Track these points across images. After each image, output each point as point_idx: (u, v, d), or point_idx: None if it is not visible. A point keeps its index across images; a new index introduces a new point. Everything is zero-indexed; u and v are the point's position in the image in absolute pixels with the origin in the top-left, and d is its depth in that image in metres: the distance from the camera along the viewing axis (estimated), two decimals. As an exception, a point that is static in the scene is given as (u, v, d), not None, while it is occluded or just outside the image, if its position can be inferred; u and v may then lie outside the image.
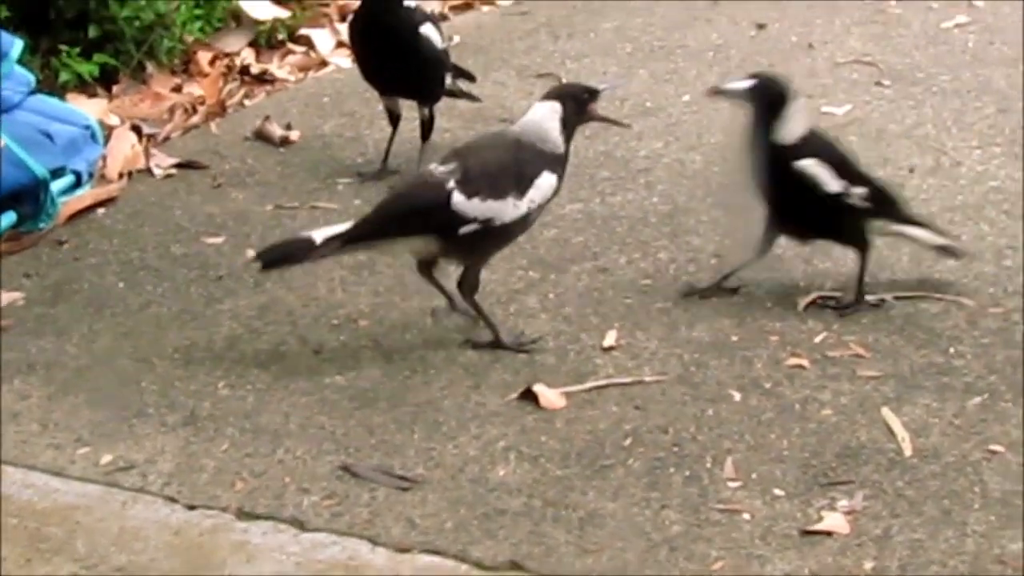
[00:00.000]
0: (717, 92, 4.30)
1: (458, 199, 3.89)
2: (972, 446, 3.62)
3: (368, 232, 3.95)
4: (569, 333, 4.13)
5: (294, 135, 5.51)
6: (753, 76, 4.26)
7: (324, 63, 6.40)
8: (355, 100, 5.85)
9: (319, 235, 3.93)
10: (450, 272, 4.08)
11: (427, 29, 5.04)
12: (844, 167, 4.27)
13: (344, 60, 6.32)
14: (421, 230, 3.94)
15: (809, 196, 4.21)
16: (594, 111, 4.07)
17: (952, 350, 4.04)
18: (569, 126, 4.00)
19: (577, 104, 4.02)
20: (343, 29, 6.41)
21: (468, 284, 4.03)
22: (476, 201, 3.89)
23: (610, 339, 4.09)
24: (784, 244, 4.39)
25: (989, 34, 6.73)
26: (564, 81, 6.01)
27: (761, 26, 6.83)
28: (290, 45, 6.50)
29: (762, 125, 4.21)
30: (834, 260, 4.50)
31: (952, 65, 6.28)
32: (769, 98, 4.19)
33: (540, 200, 3.97)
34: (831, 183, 4.21)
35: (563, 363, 3.99)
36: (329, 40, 6.53)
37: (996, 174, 5.13)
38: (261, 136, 5.50)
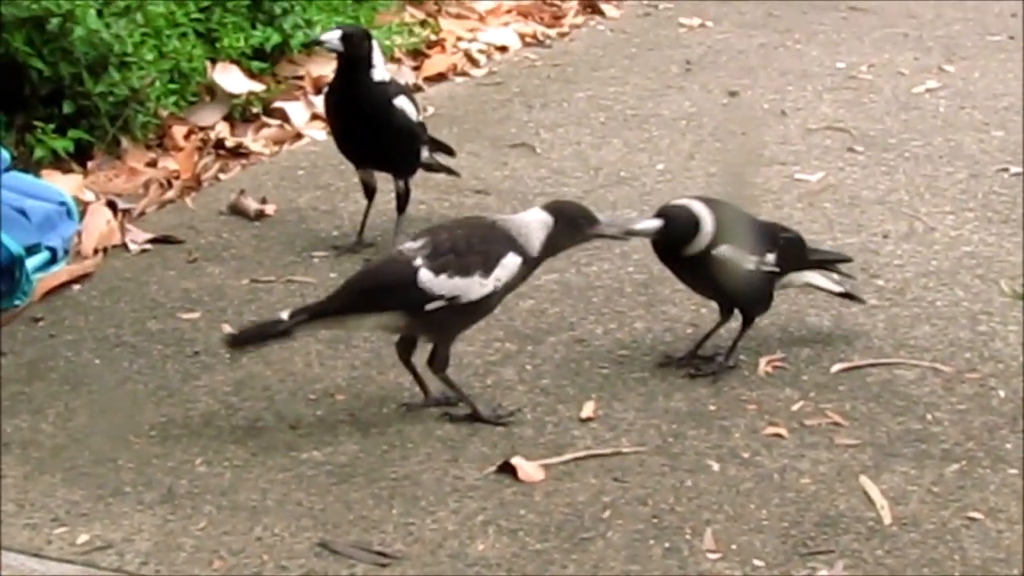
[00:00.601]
0: (630, 233, 4.21)
1: (425, 276, 3.91)
2: (951, 513, 3.62)
3: (336, 307, 3.96)
4: (546, 405, 4.13)
5: (269, 209, 5.51)
6: (660, 214, 4.19)
7: (299, 136, 6.42)
8: (330, 173, 5.87)
9: (286, 312, 3.95)
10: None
11: (401, 101, 5.06)
12: (754, 239, 4.28)
13: (319, 132, 6.35)
14: (388, 306, 3.96)
15: (727, 276, 4.23)
16: (589, 235, 4.07)
17: (929, 416, 4.05)
18: (553, 243, 4.02)
19: (571, 226, 4.03)
20: (318, 102, 6.43)
21: (438, 361, 4.02)
22: (443, 278, 3.90)
23: (588, 410, 4.09)
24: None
25: (960, 99, 6.80)
26: (538, 151, 6.07)
27: (733, 94, 6.89)
28: (264, 118, 6.51)
29: (675, 246, 4.22)
30: (808, 327, 4.52)
31: (924, 130, 6.33)
32: (677, 234, 4.18)
33: (506, 279, 3.97)
34: (746, 262, 4.24)
35: (541, 435, 3.99)
36: (303, 113, 6.55)
37: (970, 239, 5.17)
38: (236, 210, 5.50)
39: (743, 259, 4.23)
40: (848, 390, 4.19)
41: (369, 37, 5.00)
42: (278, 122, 6.49)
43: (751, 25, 8.18)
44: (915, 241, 5.16)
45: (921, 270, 4.92)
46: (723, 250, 4.20)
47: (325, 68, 6.83)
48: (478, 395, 4.12)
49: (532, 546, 3.51)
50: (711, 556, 3.47)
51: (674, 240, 4.20)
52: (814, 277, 4.45)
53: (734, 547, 3.50)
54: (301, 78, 6.81)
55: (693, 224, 4.17)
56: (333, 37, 4.91)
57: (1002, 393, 4.17)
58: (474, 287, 3.93)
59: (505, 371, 4.31)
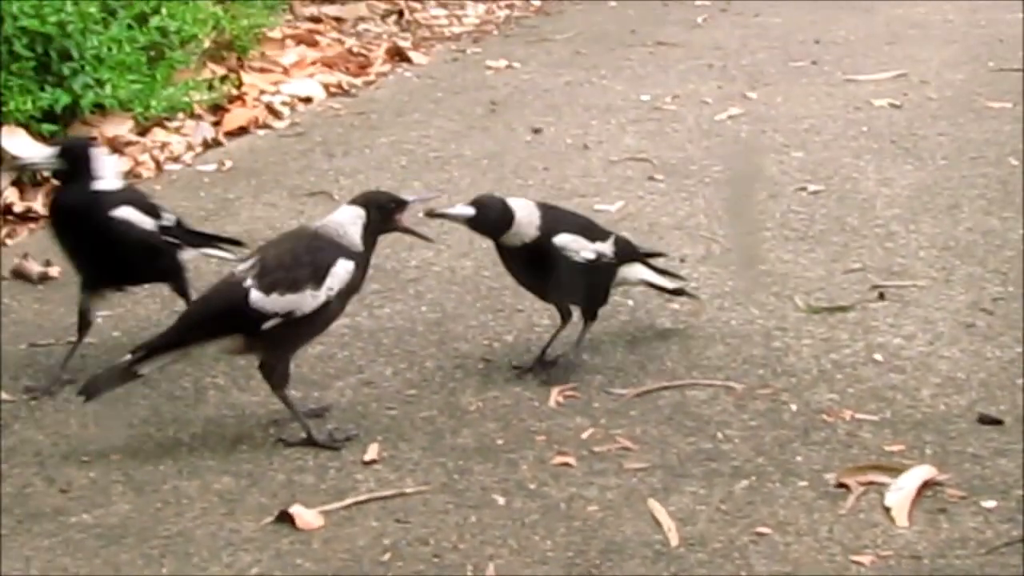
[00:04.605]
0: (436, 215, 4.33)
1: (256, 296, 3.88)
2: (739, 530, 3.54)
3: (173, 339, 3.94)
4: (329, 450, 3.99)
5: (54, 271, 5.30)
6: (474, 203, 4.25)
7: (90, 197, 6.21)
8: (119, 232, 5.68)
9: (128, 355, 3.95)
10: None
11: (125, 212, 4.44)
12: (589, 230, 4.36)
13: (111, 192, 6.16)
14: (225, 331, 3.94)
15: (568, 266, 4.27)
16: (399, 222, 4.08)
17: (720, 435, 3.98)
18: (372, 232, 4.01)
19: (382, 213, 4.03)
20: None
21: (277, 377, 4.00)
22: (274, 296, 3.89)
23: (372, 452, 3.96)
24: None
25: (761, 123, 6.81)
26: (336, 197, 5.94)
27: (537, 131, 6.84)
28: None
29: (491, 234, 4.30)
30: (602, 354, 4.44)
31: (724, 156, 6.32)
32: (489, 222, 4.23)
33: (339, 287, 3.95)
34: (585, 251, 4.29)
35: (323, 481, 3.84)
36: (95, 174, 6.35)
37: (766, 257, 5.14)
38: (19, 274, 5.30)
39: (582, 247, 4.26)
40: (639, 414, 4.11)
41: (89, 148, 4.52)
42: (69, 185, 6.28)
43: (558, 64, 8.15)
44: (712, 263, 5.12)
45: (716, 291, 4.87)
46: (562, 238, 4.24)
47: (120, 128, 6.70)
48: (260, 445, 3.97)
49: (307, 596, 3.37)
50: (493, 592, 3.36)
51: (486, 227, 4.24)
52: (648, 274, 4.51)
53: (516, 581, 3.39)
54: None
55: (504, 212, 4.20)
56: (47, 155, 4.55)
57: (794, 407, 4.12)
58: (307, 300, 3.90)
59: (288, 418, 4.15)
